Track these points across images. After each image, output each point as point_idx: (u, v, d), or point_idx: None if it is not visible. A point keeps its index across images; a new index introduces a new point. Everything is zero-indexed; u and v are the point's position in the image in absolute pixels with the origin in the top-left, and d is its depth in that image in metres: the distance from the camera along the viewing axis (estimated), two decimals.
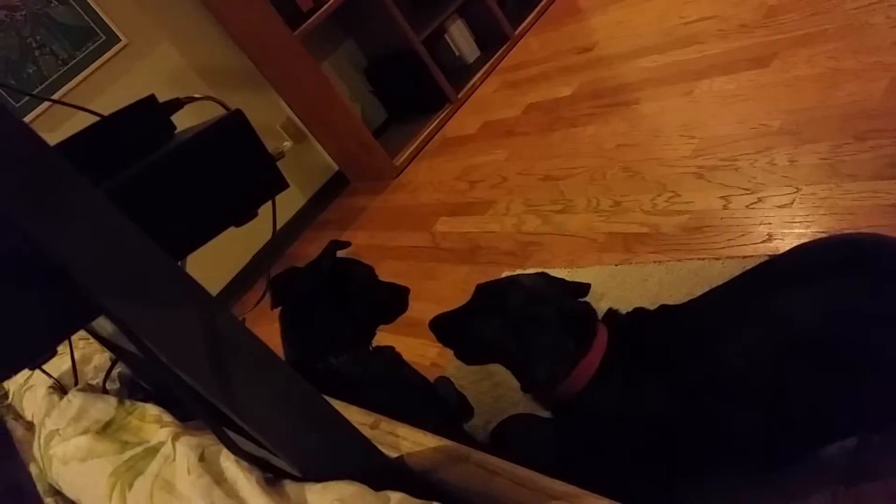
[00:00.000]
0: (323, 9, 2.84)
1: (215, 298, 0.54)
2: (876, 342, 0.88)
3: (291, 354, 1.32)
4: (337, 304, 1.33)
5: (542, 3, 3.52)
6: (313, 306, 1.33)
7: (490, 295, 1.19)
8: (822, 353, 0.90)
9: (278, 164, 0.73)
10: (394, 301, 1.44)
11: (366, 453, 0.53)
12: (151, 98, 0.68)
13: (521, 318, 1.11)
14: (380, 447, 0.59)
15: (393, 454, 0.58)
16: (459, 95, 3.23)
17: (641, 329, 1.10)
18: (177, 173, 0.60)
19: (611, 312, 1.16)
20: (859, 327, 0.89)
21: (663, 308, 1.12)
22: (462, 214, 2.44)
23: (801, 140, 1.66)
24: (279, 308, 1.37)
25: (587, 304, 1.17)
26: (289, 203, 3.17)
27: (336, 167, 3.33)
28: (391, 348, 1.38)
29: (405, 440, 0.58)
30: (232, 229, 0.64)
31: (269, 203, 0.70)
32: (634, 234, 1.78)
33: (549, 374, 1.07)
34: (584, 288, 1.23)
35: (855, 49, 1.82)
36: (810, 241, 1.03)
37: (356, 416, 0.65)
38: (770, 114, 1.81)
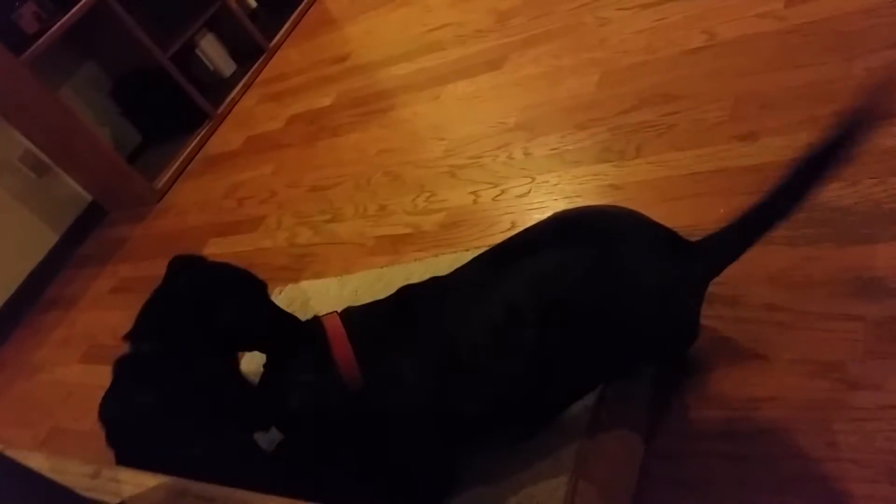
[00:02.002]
0: (51, 31, 2.60)
1: None
2: (603, 303, 0.98)
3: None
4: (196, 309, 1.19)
5: (295, 14, 3.50)
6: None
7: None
8: (564, 315, 0.97)
9: None
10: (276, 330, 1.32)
11: None
12: None
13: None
14: (103, 496, 0.56)
15: (116, 500, 0.56)
16: (219, 111, 3.13)
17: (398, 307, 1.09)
18: None
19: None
20: (588, 290, 0.97)
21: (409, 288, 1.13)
22: (232, 234, 2.37)
23: (533, 134, 1.82)
24: None
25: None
26: (39, 241, 2.88)
27: (89, 197, 3.07)
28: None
29: (126, 484, 0.56)
30: None
31: None
32: (400, 234, 1.84)
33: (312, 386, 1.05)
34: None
35: (571, 47, 2.03)
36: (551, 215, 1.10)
37: (77, 467, 0.62)
38: (506, 112, 1.97)
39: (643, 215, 1.05)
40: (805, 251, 1.21)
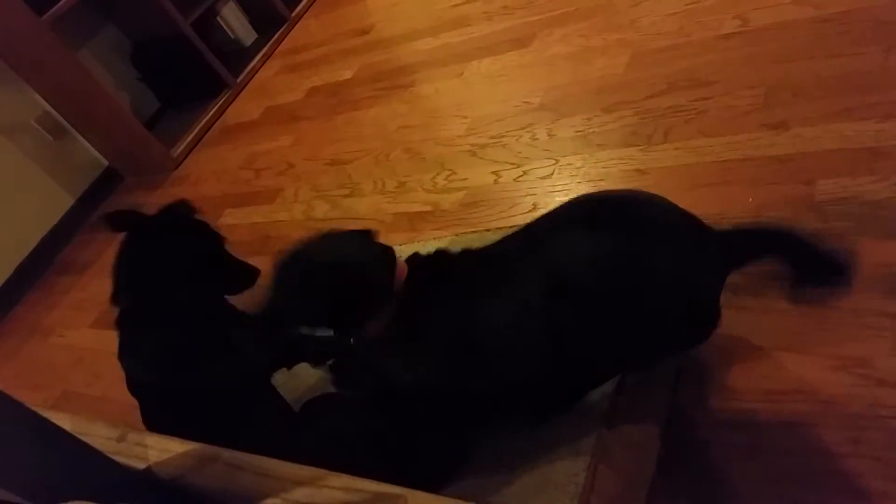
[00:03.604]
0: None
1: None
2: (627, 287, 0.96)
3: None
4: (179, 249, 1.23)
5: None
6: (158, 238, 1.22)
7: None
8: (589, 299, 0.95)
9: None
10: (242, 275, 1.34)
11: (102, 469, 0.50)
12: None
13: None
14: (128, 460, 0.55)
15: (142, 465, 0.55)
16: (238, 80, 3.11)
17: (440, 270, 1.06)
18: None
19: (414, 255, 1.10)
20: (616, 275, 0.95)
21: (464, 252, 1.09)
22: (249, 205, 2.36)
23: (558, 115, 1.80)
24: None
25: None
26: (54, 205, 2.88)
27: (106, 162, 3.07)
28: None
29: (153, 449, 0.55)
30: None
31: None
32: (418, 212, 1.83)
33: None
34: None
35: (601, 28, 2.00)
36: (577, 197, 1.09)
37: (102, 430, 0.61)
38: (531, 91, 1.94)
39: (670, 201, 1.03)
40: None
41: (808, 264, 0.99)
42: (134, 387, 1.04)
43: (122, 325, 1.16)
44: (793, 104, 1.45)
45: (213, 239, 1.32)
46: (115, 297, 1.20)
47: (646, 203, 1.05)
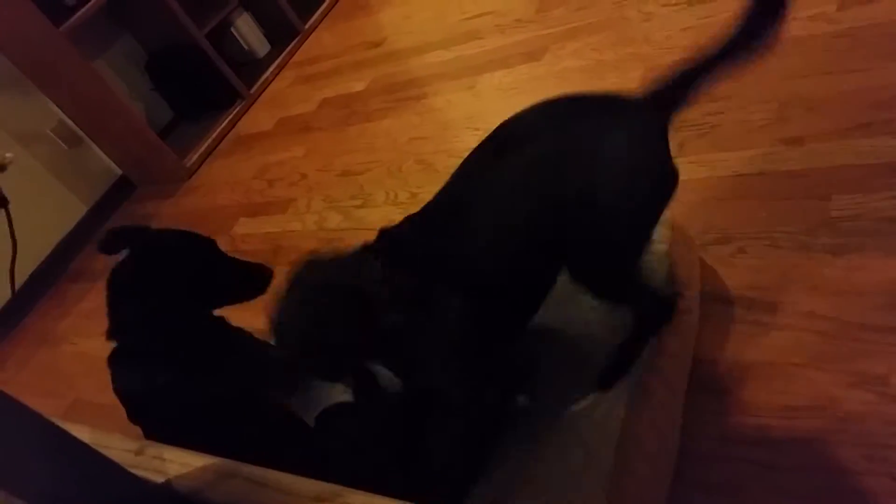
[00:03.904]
0: (91, 2, 2.61)
1: None
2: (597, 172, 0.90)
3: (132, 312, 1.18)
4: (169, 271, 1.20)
5: None
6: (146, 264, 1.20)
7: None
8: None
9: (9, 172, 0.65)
10: (251, 279, 1.29)
11: (121, 482, 0.50)
12: None
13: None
14: (147, 473, 0.56)
15: (160, 479, 0.55)
16: (252, 91, 3.13)
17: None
18: None
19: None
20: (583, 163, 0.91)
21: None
22: (262, 214, 2.37)
23: None
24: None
25: None
26: (68, 213, 2.90)
27: (119, 171, 3.09)
28: None
29: (172, 463, 0.55)
30: None
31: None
32: None
33: None
34: None
35: (614, 42, 2.00)
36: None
37: (120, 443, 0.61)
38: None
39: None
40: (849, 260, 1.19)
41: (736, 57, 0.94)
42: (135, 416, 1.02)
43: (116, 362, 1.13)
44: (807, 119, 1.45)
45: (205, 251, 1.26)
46: (112, 332, 1.18)
47: (573, 98, 1.00)
